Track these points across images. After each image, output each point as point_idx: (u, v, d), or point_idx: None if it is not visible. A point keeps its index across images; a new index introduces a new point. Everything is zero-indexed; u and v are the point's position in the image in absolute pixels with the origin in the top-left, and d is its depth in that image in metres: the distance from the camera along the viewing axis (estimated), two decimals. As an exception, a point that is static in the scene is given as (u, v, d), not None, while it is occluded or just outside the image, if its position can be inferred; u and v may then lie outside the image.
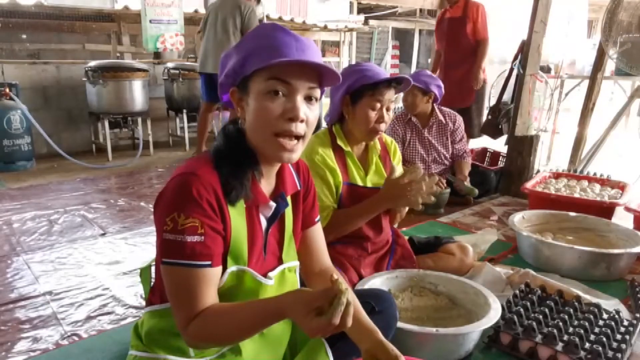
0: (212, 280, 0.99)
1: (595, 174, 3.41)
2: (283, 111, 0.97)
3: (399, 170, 1.80)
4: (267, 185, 1.10)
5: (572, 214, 2.70)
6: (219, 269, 1.01)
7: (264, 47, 0.97)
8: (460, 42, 4.25)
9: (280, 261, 1.15)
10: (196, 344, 0.99)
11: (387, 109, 1.78)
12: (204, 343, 0.99)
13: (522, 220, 2.62)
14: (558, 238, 2.52)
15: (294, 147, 1.00)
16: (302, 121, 0.99)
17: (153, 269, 1.21)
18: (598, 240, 2.55)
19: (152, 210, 1.03)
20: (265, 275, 1.09)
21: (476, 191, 3.27)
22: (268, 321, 0.93)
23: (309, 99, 1.00)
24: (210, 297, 0.98)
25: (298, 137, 1.00)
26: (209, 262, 0.97)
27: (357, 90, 1.75)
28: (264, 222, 1.10)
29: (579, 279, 2.19)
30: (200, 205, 0.95)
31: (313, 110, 1.01)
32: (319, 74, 1.01)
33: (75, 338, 1.78)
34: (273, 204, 1.09)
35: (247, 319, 0.93)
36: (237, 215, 1.03)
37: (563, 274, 2.23)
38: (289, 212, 1.16)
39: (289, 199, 1.15)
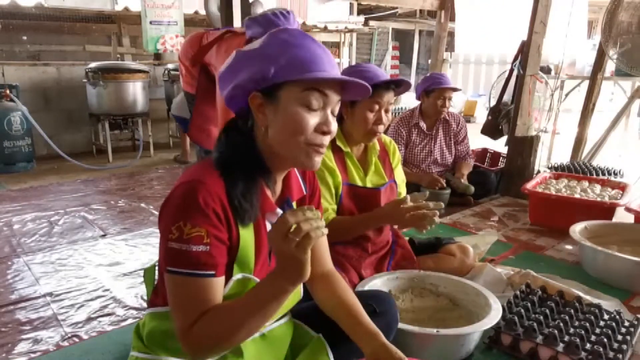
0: (216, 290, 0.98)
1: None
2: (319, 124, 1.00)
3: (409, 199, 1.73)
4: (273, 191, 1.10)
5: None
6: (222, 278, 1.00)
7: (301, 57, 0.96)
8: None
9: None
10: (197, 349, 0.96)
11: (386, 111, 1.78)
12: (205, 346, 0.96)
13: (584, 230, 2.51)
14: (624, 251, 2.33)
15: (321, 155, 1.04)
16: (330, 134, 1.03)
17: (157, 269, 1.21)
18: None
19: (157, 214, 1.02)
20: None
21: (472, 188, 3.27)
22: (279, 298, 0.95)
23: (332, 112, 1.03)
24: (212, 305, 0.98)
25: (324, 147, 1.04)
26: (213, 272, 0.96)
27: None
28: (269, 229, 1.09)
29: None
30: (207, 215, 0.94)
31: (335, 122, 1.04)
32: (341, 88, 1.03)
33: (76, 339, 1.79)
34: (279, 211, 1.09)
35: (255, 303, 0.94)
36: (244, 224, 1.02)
37: (628, 289, 2.15)
38: None
39: (294, 204, 1.14)
